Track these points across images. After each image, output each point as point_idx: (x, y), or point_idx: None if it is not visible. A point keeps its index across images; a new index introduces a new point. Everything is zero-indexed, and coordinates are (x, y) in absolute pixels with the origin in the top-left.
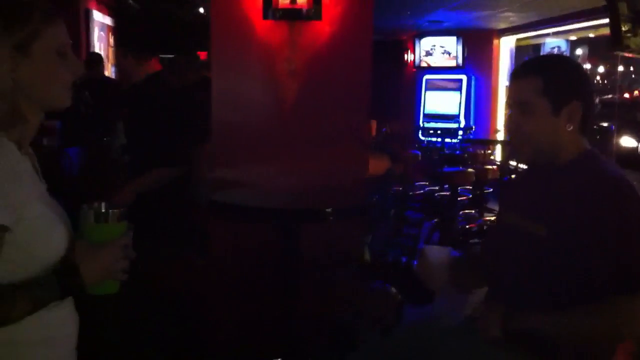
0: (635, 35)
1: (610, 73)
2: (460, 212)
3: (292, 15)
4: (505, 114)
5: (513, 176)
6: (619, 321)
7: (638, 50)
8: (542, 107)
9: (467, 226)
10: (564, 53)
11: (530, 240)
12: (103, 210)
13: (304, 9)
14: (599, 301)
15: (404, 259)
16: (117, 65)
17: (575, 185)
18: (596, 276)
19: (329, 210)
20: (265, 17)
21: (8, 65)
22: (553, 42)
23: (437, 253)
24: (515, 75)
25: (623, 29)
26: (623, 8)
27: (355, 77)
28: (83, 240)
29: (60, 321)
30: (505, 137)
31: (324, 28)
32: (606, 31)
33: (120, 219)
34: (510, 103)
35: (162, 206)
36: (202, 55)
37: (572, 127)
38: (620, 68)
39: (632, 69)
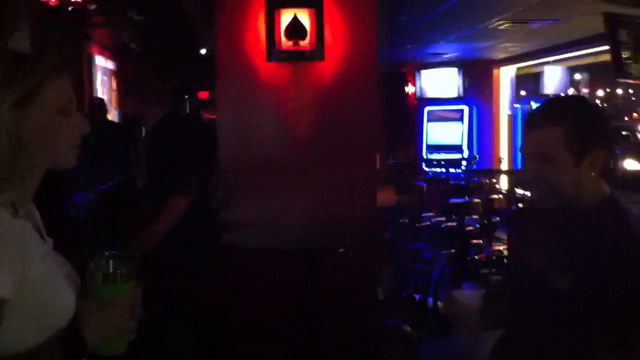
0: (636, 61)
1: (610, 97)
2: (471, 244)
3: (296, 57)
4: (525, 163)
5: (520, 205)
6: None
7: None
8: (564, 158)
9: (477, 257)
10: (563, 80)
11: (552, 289)
12: (111, 271)
13: (307, 51)
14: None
15: (417, 296)
16: (131, 111)
17: (600, 235)
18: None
19: (340, 247)
20: (269, 59)
21: (7, 125)
22: (552, 69)
23: (467, 297)
24: (533, 124)
25: (624, 56)
26: (623, 35)
27: (363, 113)
28: (89, 299)
29: None
30: (524, 186)
31: (328, 68)
32: (606, 57)
33: (129, 278)
34: (529, 153)
35: (183, 219)
36: (203, 95)
37: (594, 174)
38: (619, 91)
39: (631, 91)
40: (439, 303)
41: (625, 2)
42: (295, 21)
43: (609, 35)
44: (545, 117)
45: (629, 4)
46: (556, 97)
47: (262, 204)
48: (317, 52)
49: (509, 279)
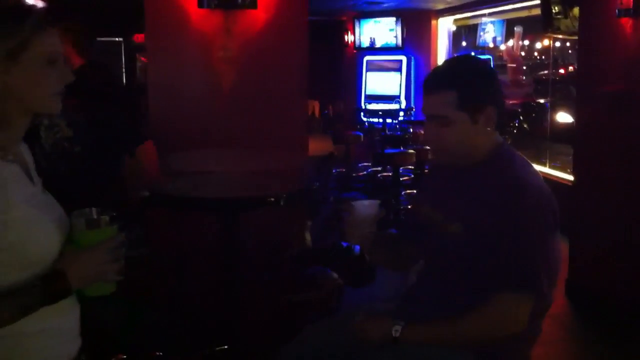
0: (565, 17)
1: (547, 49)
2: (403, 192)
3: (228, 4)
4: (424, 124)
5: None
6: (497, 319)
7: (568, 32)
8: (461, 119)
9: (409, 206)
10: (500, 33)
11: (448, 235)
12: (94, 217)
13: None
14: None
15: (344, 243)
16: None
17: (485, 186)
18: (491, 274)
19: (269, 197)
20: (200, 5)
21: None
22: (488, 21)
23: (366, 207)
24: (428, 88)
25: (554, 11)
26: None
27: (292, 62)
28: (73, 245)
29: (59, 312)
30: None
31: (259, 15)
32: (539, 11)
33: (112, 223)
34: (427, 115)
35: (99, 200)
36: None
37: (484, 130)
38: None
39: (568, 44)
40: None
41: None
42: None
43: None
44: (439, 81)
45: None
46: (448, 60)
47: (191, 153)
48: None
49: (408, 222)
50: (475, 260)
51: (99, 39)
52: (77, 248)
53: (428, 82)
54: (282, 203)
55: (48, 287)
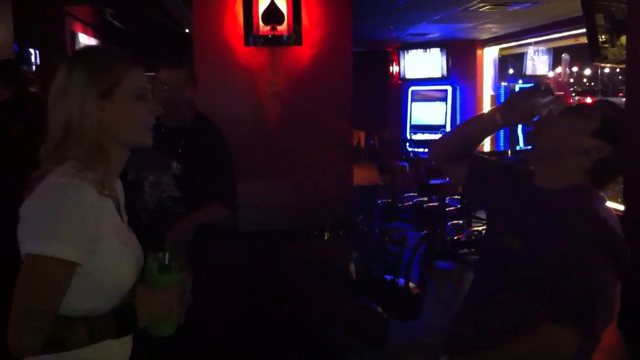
0: (612, 45)
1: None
2: (449, 223)
3: (273, 41)
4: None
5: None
6: (544, 351)
7: (616, 60)
8: (586, 145)
9: (456, 237)
10: (546, 61)
11: (512, 256)
12: (166, 262)
13: (284, 35)
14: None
15: (388, 277)
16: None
17: (566, 214)
18: (549, 304)
19: (314, 229)
20: (247, 44)
21: (94, 110)
22: (535, 50)
23: None
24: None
25: (600, 39)
26: (600, 19)
27: (337, 95)
28: (145, 284)
29: (118, 343)
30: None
31: (304, 52)
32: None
33: (182, 270)
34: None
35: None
36: None
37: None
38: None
39: (618, 70)
40: (410, 284)
41: None
42: (272, 6)
43: (585, 19)
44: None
45: None
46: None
47: (238, 186)
48: (294, 37)
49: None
50: (536, 285)
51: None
52: (149, 288)
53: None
54: (325, 236)
55: (118, 319)
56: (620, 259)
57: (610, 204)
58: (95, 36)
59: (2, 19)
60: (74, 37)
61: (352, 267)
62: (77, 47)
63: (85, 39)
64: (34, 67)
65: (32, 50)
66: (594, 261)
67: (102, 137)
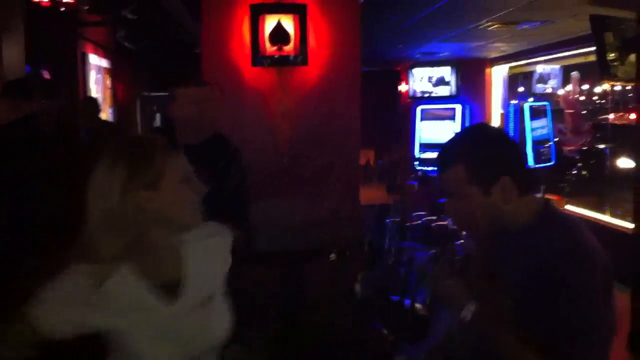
0: (622, 63)
1: (607, 93)
2: (458, 242)
3: (280, 62)
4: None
5: None
6: None
7: (626, 78)
8: (473, 193)
9: (465, 255)
10: (556, 79)
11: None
12: None
13: (291, 56)
14: None
15: (394, 297)
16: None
17: (522, 254)
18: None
19: (323, 250)
20: (254, 64)
21: (139, 201)
22: (544, 67)
23: None
24: (438, 165)
25: (609, 58)
26: (609, 37)
27: (345, 114)
28: None
29: None
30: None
31: (311, 72)
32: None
33: None
34: (442, 191)
35: None
36: None
37: (511, 198)
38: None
39: (629, 87)
40: (416, 305)
41: (611, 4)
42: (279, 27)
43: (594, 37)
44: (447, 157)
45: (615, 5)
46: (458, 133)
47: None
48: (301, 57)
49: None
50: (519, 325)
51: (159, 93)
52: None
53: (438, 159)
54: (332, 257)
55: None
56: (600, 276)
57: (621, 223)
58: (106, 57)
59: (14, 40)
60: (84, 58)
61: (359, 287)
62: (87, 68)
63: (96, 60)
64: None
65: (42, 71)
66: (568, 296)
67: (146, 227)
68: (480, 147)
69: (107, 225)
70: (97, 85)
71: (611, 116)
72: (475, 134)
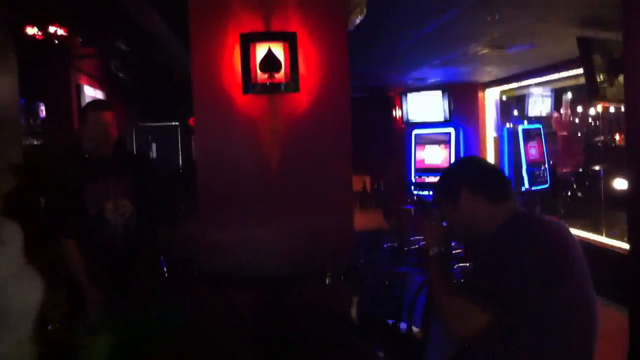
0: (611, 85)
1: (603, 114)
2: (455, 266)
3: (271, 89)
4: None
5: None
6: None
7: (615, 99)
8: (445, 211)
9: (462, 280)
10: (548, 102)
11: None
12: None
13: (282, 83)
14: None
15: (390, 321)
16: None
17: (495, 246)
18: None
19: (314, 274)
20: (245, 92)
21: None
22: (536, 90)
23: None
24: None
25: (599, 79)
26: (597, 59)
27: (337, 141)
28: None
29: None
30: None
31: (302, 98)
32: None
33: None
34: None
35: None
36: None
37: (478, 207)
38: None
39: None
40: (413, 328)
41: (597, 25)
42: (269, 55)
43: (582, 60)
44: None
45: (600, 27)
46: None
47: (238, 231)
48: (292, 84)
49: None
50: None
51: (159, 123)
52: None
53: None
54: (327, 281)
55: None
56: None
57: (617, 243)
58: (100, 88)
59: (8, 73)
60: (79, 90)
61: (353, 311)
62: (83, 99)
63: (91, 92)
64: (39, 120)
65: (38, 104)
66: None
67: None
68: (441, 178)
69: None
70: None
71: (602, 138)
72: (445, 171)
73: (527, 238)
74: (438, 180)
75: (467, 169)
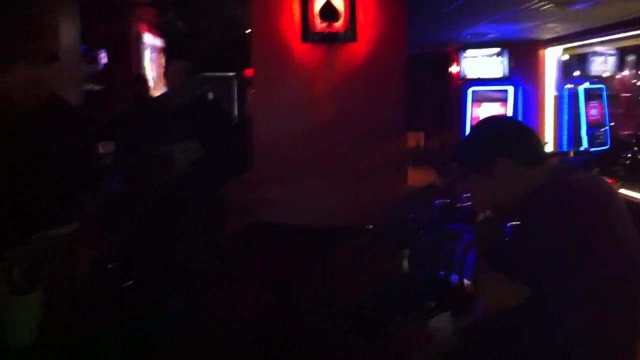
0: None
1: None
2: (508, 224)
3: (329, 38)
4: None
5: None
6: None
7: None
8: (476, 180)
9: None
10: (612, 62)
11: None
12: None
13: (341, 32)
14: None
15: (442, 272)
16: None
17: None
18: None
19: (367, 226)
20: (304, 40)
21: None
22: (601, 50)
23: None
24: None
25: None
26: None
27: (392, 93)
28: None
29: None
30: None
31: (360, 49)
32: None
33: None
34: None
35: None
36: (249, 72)
37: (513, 173)
38: None
39: None
40: (464, 280)
41: None
42: (328, 3)
43: None
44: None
45: None
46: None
47: (292, 183)
48: (350, 33)
49: None
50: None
51: (213, 74)
52: None
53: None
54: (377, 233)
55: None
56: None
57: None
58: (159, 36)
59: (70, 20)
60: (139, 38)
61: (405, 264)
62: (142, 47)
63: (150, 39)
64: (101, 67)
65: (99, 51)
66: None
67: None
68: (471, 144)
69: None
70: (152, 64)
71: None
72: (471, 131)
73: (565, 203)
74: (462, 150)
75: (503, 135)
